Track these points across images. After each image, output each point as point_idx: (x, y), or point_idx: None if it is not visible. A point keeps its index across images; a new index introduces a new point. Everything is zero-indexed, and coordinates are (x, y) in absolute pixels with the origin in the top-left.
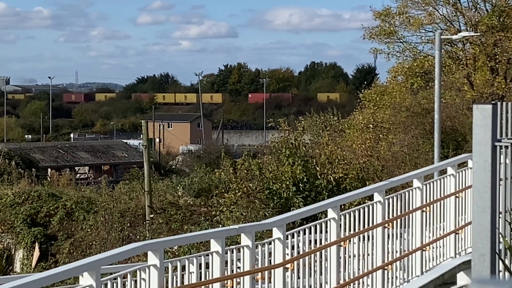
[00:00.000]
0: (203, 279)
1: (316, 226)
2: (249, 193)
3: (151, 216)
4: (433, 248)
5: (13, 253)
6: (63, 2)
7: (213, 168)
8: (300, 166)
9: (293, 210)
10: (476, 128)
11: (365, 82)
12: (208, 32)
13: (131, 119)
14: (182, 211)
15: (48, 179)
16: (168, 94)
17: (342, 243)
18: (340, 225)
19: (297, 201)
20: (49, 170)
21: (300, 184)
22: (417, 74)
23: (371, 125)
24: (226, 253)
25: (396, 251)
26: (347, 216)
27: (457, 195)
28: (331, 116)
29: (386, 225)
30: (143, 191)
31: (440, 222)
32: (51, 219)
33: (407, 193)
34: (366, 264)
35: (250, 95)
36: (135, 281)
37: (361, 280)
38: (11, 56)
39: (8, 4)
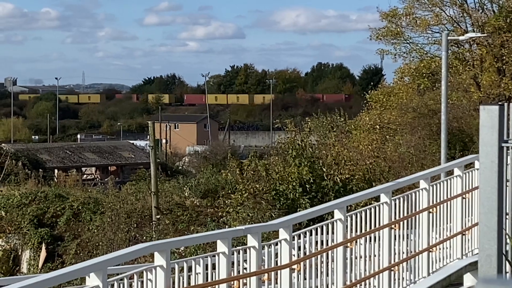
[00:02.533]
0: (209, 280)
1: (322, 227)
2: (255, 194)
3: (158, 216)
4: (439, 249)
5: (20, 253)
6: (70, 3)
7: (219, 169)
8: (306, 167)
9: (299, 211)
10: (483, 129)
11: (372, 83)
12: (215, 33)
13: (138, 120)
14: (188, 212)
15: (55, 179)
16: (228, 95)
17: (348, 244)
18: (347, 226)
19: (304, 202)
20: (56, 170)
21: (307, 185)
22: (424, 75)
23: (377, 126)
24: (233, 254)
25: (403, 252)
26: (354, 217)
27: (464, 196)
28: (338, 117)
29: (393, 226)
30: (149, 192)
31: (447, 223)
32: (58, 220)
33: (413, 194)
34: (372, 265)
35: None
36: (142, 282)
37: (367, 281)
38: (18, 57)
39: (16, 5)
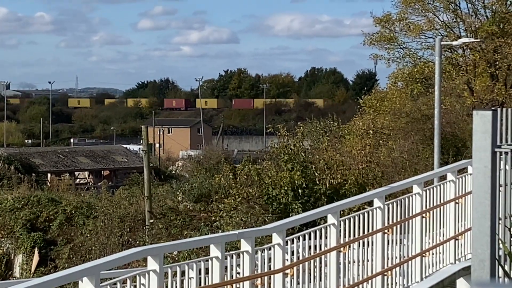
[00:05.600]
0: (202, 285)
1: (316, 231)
2: (248, 198)
3: (151, 221)
4: (432, 254)
5: (12, 258)
6: (64, 8)
7: (213, 174)
8: (298, 171)
9: (292, 215)
10: (476, 134)
11: (365, 88)
12: (209, 38)
13: (131, 124)
14: (181, 216)
15: (48, 184)
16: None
17: (341, 249)
18: (340, 231)
19: (296, 207)
20: (48, 175)
21: (299, 190)
22: (417, 80)
23: (371, 131)
24: (226, 258)
25: (396, 257)
26: (347, 222)
27: (457, 201)
28: (331, 122)
29: (386, 231)
30: (142, 196)
31: (440, 228)
32: (50, 224)
33: (406, 199)
34: (365, 270)
35: None
36: (135, 286)
37: (360, 286)
38: (12, 61)
39: (10, 9)
